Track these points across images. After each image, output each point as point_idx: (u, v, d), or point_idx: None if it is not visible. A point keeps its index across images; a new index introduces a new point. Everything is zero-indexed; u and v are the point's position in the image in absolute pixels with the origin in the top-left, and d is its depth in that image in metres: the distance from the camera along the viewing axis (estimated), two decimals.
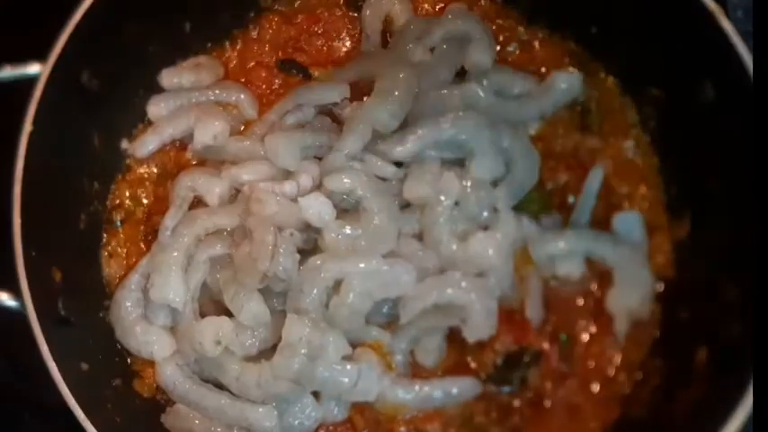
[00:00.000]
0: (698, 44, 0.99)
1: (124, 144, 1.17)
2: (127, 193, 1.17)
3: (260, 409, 0.98)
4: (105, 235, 1.14)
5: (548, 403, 1.03)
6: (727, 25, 0.94)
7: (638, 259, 1.04)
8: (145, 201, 1.16)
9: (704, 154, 1.02)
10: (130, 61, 1.13)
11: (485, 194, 1.02)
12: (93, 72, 1.07)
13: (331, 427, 1.04)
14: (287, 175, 1.06)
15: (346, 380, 0.96)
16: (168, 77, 1.17)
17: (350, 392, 0.98)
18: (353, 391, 0.97)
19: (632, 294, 1.03)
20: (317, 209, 1.00)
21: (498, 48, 1.16)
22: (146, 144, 1.16)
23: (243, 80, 1.21)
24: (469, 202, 1.02)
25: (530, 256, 1.04)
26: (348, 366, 0.97)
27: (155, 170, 1.17)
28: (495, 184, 1.04)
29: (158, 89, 1.18)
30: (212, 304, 1.07)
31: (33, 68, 0.99)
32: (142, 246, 1.13)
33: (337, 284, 0.98)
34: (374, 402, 1.00)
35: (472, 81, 1.10)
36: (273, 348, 0.97)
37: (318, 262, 0.97)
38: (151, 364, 1.06)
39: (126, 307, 1.06)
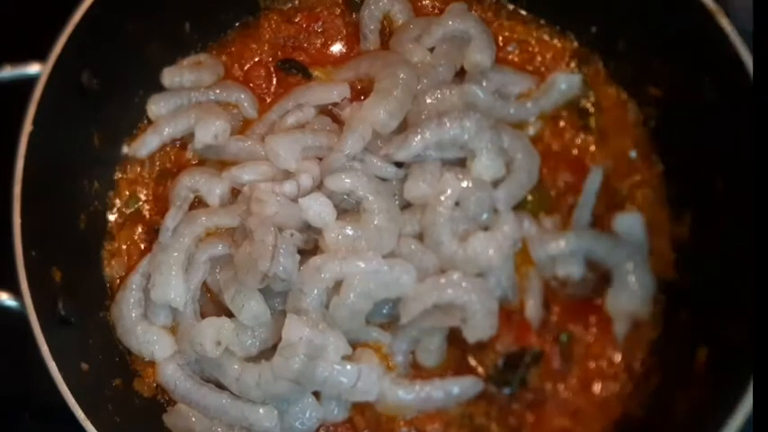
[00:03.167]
0: (698, 44, 0.99)
1: (124, 146, 1.17)
2: (127, 193, 1.16)
3: (260, 410, 0.98)
4: (105, 235, 1.14)
5: (548, 404, 1.03)
6: (727, 25, 0.94)
7: (639, 261, 1.03)
8: (145, 200, 1.16)
9: (704, 154, 1.02)
10: (130, 61, 1.14)
11: (485, 195, 1.02)
12: (93, 72, 1.07)
13: (331, 428, 1.04)
14: (287, 175, 1.06)
15: (346, 380, 0.96)
16: (169, 76, 1.17)
17: (350, 393, 0.98)
18: (353, 392, 0.97)
19: (632, 296, 1.03)
20: (318, 209, 1.00)
21: (498, 48, 1.16)
22: (146, 143, 1.16)
23: (242, 79, 1.21)
24: (470, 202, 1.02)
25: (530, 256, 1.04)
26: (348, 366, 0.97)
27: (155, 170, 1.17)
28: (495, 184, 1.04)
29: (158, 88, 1.18)
30: (212, 304, 1.07)
31: (33, 68, 0.99)
32: (142, 246, 1.13)
33: (337, 285, 0.97)
34: (375, 403, 1.00)
35: (472, 81, 1.10)
36: (274, 348, 0.97)
37: (319, 262, 0.97)
38: (151, 363, 1.06)
39: (127, 307, 1.06)
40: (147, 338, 1.04)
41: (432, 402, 1.01)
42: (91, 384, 0.98)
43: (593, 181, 1.08)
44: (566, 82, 1.12)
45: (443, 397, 1.01)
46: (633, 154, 1.12)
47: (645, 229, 1.06)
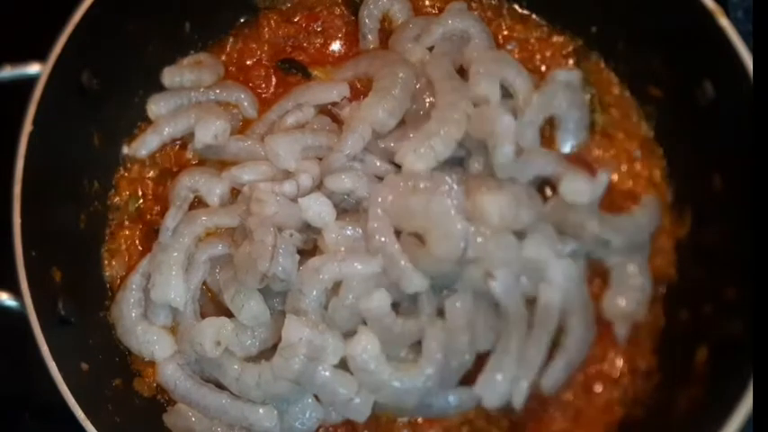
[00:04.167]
0: (698, 44, 0.99)
1: (124, 146, 1.17)
2: (127, 193, 1.16)
3: (260, 410, 0.98)
4: (105, 235, 1.14)
5: (550, 407, 1.02)
6: (727, 25, 0.94)
7: (640, 261, 1.03)
8: (145, 200, 1.16)
9: (704, 154, 1.02)
10: (130, 61, 1.13)
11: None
12: (93, 72, 1.07)
13: (331, 428, 1.04)
14: (287, 175, 1.06)
15: (345, 391, 0.95)
16: (169, 76, 1.17)
17: (344, 406, 0.97)
18: (348, 405, 0.96)
19: (630, 298, 1.02)
20: (317, 209, 1.00)
21: (498, 46, 1.16)
22: (146, 143, 1.15)
23: (242, 79, 1.21)
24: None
25: None
26: (349, 376, 0.96)
27: (155, 169, 1.17)
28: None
29: (158, 88, 1.18)
30: (212, 304, 1.07)
31: (33, 68, 0.99)
32: (142, 246, 1.13)
33: (336, 285, 0.97)
34: (375, 405, 1.00)
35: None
36: (274, 348, 0.97)
37: (317, 263, 0.97)
38: (151, 363, 1.06)
39: (127, 307, 1.06)
40: (147, 338, 1.04)
41: (432, 412, 1.00)
42: (91, 384, 0.98)
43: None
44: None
45: (444, 406, 0.99)
46: (634, 154, 1.12)
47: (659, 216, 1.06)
